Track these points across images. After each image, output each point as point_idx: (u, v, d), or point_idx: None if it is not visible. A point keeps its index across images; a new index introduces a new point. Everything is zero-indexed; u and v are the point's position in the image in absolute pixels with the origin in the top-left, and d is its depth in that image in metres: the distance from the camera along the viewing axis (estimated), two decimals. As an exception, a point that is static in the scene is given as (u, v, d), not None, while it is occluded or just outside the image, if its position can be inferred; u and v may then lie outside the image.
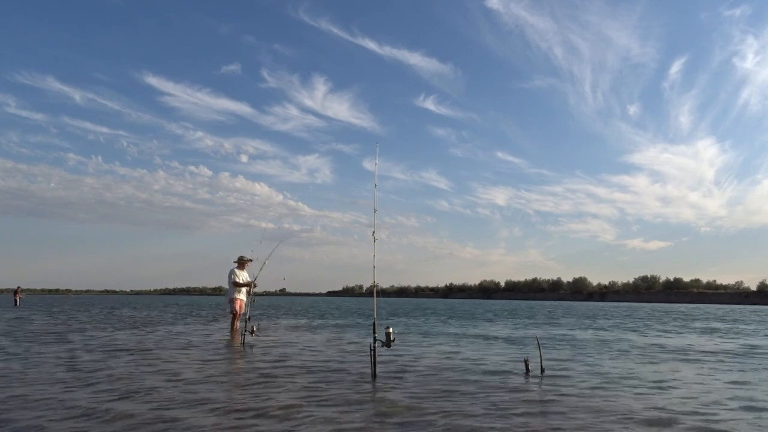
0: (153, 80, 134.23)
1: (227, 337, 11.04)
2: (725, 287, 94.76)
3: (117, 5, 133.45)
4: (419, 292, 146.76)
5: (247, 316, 10.86)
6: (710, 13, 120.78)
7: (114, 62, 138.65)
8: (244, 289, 11.39)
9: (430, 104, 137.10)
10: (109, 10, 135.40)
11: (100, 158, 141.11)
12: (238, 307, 11.40)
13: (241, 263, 11.34)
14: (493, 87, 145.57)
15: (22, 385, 5.27)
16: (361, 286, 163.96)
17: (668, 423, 4.10)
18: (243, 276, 11.34)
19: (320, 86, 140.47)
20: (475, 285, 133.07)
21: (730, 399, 5.08)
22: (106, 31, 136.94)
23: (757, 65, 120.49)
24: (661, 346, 10.43)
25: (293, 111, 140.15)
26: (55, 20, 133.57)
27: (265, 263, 11.41)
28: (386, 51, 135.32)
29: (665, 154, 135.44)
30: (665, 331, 14.74)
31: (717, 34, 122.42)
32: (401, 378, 6.04)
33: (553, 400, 4.90)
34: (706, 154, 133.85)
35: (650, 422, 4.11)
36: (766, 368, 7.33)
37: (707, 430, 3.91)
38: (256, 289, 11.21)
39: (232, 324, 11.51)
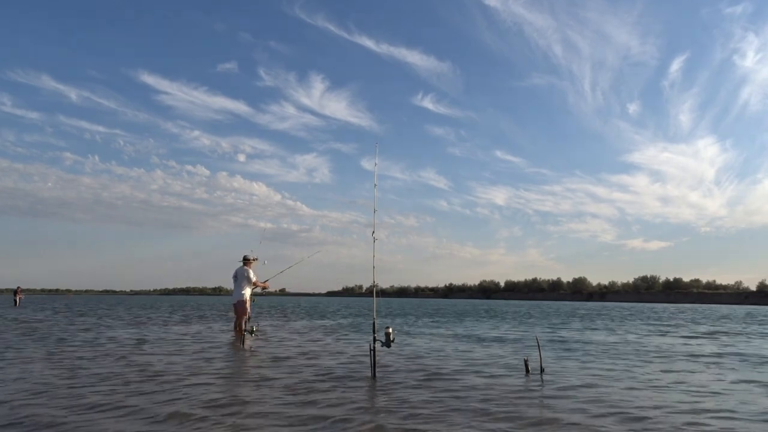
0: (149, 78, 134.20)
1: (228, 338, 11.07)
2: (725, 287, 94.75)
3: (112, 3, 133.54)
4: (419, 292, 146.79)
5: (247, 317, 10.88)
6: (711, 9, 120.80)
7: (109, 60, 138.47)
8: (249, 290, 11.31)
9: (428, 103, 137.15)
10: (104, 8, 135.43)
11: (96, 157, 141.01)
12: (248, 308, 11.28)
13: (248, 262, 11.27)
14: (491, 85, 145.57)
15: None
16: (360, 286, 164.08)
17: (665, 423, 4.13)
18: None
19: (317, 84, 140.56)
20: (475, 285, 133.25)
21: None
22: (100, 28, 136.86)
23: (757, 63, 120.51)
24: (667, 346, 10.46)
25: (290, 110, 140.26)
26: (49, 18, 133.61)
27: (282, 271, 11.51)
28: (383, 49, 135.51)
29: (665, 153, 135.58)
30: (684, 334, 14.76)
31: (717, 31, 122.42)
32: (401, 377, 6.07)
33: (552, 400, 4.93)
34: (707, 154, 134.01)
35: (648, 422, 4.15)
36: None
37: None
38: (257, 289, 11.19)
39: (241, 325, 11.31)
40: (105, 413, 4.18)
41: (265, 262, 11.51)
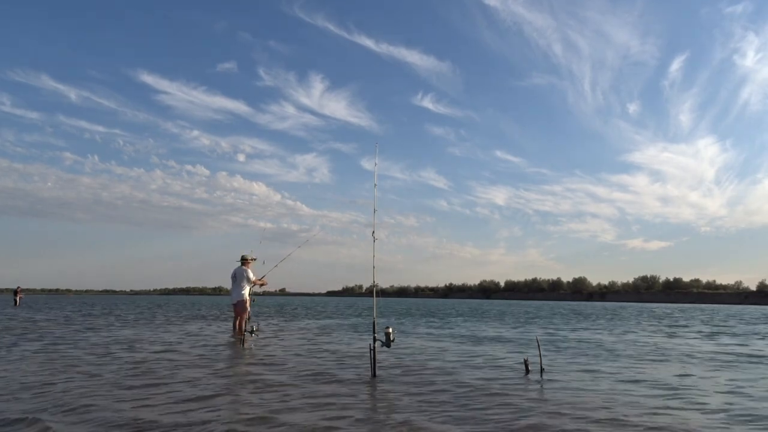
0: (148, 78, 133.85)
1: (228, 338, 11.05)
2: (725, 287, 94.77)
3: (112, 3, 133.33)
4: (419, 292, 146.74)
5: (247, 317, 10.87)
6: (711, 9, 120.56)
7: (109, 60, 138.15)
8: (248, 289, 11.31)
9: (428, 102, 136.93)
10: (104, 8, 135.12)
11: (96, 157, 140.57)
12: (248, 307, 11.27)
13: (246, 262, 11.28)
14: (491, 85, 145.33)
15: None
16: (360, 286, 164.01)
17: (663, 423, 4.12)
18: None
19: (317, 84, 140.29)
20: (474, 285, 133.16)
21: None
22: (100, 28, 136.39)
23: (757, 63, 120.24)
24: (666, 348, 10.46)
25: (290, 109, 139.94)
26: (49, 18, 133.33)
27: (276, 265, 11.48)
28: (383, 48, 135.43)
29: (665, 153, 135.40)
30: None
31: (717, 30, 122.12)
32: (401, 378, 6.06)
33: (552, 400, 4.92)
34: (707, 153, 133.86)
35: (646, 423, 4.14)
36: None
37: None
38: (256, 288, 11.20)
39: (241, 325, 11.24)
40: (83, 413, 4.18)
41: (264, 261, 11.52)
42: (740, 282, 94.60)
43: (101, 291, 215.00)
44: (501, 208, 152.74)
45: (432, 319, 20.04)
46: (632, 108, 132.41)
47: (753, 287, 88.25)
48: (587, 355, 8.64)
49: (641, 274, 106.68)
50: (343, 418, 4.14)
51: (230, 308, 11.59)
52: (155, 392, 5.03)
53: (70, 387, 5.23)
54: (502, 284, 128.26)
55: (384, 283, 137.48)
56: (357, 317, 21.52)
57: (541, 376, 6.23)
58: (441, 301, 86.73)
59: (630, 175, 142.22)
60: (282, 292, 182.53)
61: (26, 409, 4.27)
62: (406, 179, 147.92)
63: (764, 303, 73.64)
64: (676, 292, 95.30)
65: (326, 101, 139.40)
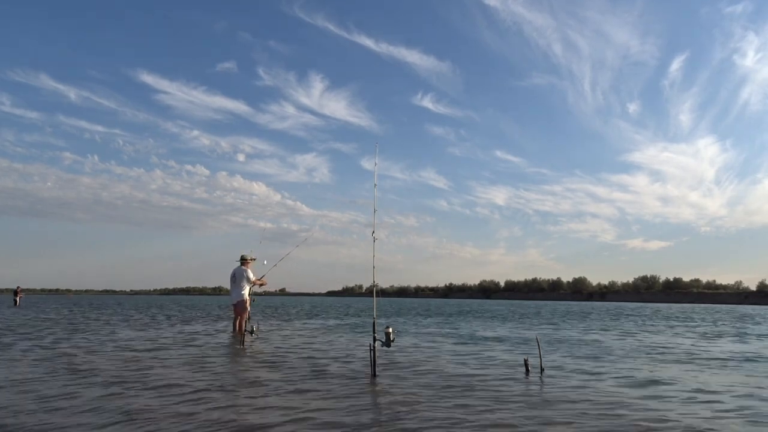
0: (148, 78, 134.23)
1: (228, 338, 11.05)
2: (725, 287, 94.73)
3: (112, 3, 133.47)
4: (419, 292, 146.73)
5: (247, 317, 10.86)
6: (710, 9, 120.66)
7: (109, 60, 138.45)
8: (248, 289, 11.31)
9: (428, 102, 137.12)
10: (104, 8, 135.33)
11: (96, 157, 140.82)
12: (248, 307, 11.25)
13: (246, 262, 11.27)
14: (491, 85, 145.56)
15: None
16: (360, 286, 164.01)
17: (663, 422, 4.12)
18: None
19: (317, 84, 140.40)
20: (474, 285, 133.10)
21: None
22: (100, 28, 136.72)
23: (757, 63, 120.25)
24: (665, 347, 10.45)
25: (290, 109, 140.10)
26: (49, 18, 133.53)
27: (275, 265, 11.48)
28: (383, 48, 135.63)
29: (665, 153, 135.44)
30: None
31: (717, 30, 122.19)
32: (401, 377, 6.06)
33: (552, 400, 4.91)
34: (707, 153, 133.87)
35: (650, 421, 4.14)
36: None
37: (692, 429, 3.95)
38: (256, 288, 11.20)
39: (241, 325, 11.20)
40: (73, 410, 4.18)
41: (265, 261, 11.52)
42: (740, 282, 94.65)
43: (101, 291, 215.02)
44: (501, 208, 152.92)
45: (432, 319, 20.04)
46: (632, 108, 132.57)
47: (753, 287, 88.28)
48: (587, 355, 8.63)
49: (641, 274, 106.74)
50: (343, 417, 4.13)
51: (230, 308, 11.56)
52: (153, 392, 5.02)
53: (58, 385, 5.23)
54: (502, 284, 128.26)
55: (384, 283, 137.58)
56: (356, 317, 21.51)
57: (542, 376, 6.23)
58: (441, 301, 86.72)
59: (630, 175, 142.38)
60: (282, 292, 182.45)
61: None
62: (406, 179, 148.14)
63: (764, 303, 73.60)
64: (676, 292, 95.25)
65: (326, 101, 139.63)
